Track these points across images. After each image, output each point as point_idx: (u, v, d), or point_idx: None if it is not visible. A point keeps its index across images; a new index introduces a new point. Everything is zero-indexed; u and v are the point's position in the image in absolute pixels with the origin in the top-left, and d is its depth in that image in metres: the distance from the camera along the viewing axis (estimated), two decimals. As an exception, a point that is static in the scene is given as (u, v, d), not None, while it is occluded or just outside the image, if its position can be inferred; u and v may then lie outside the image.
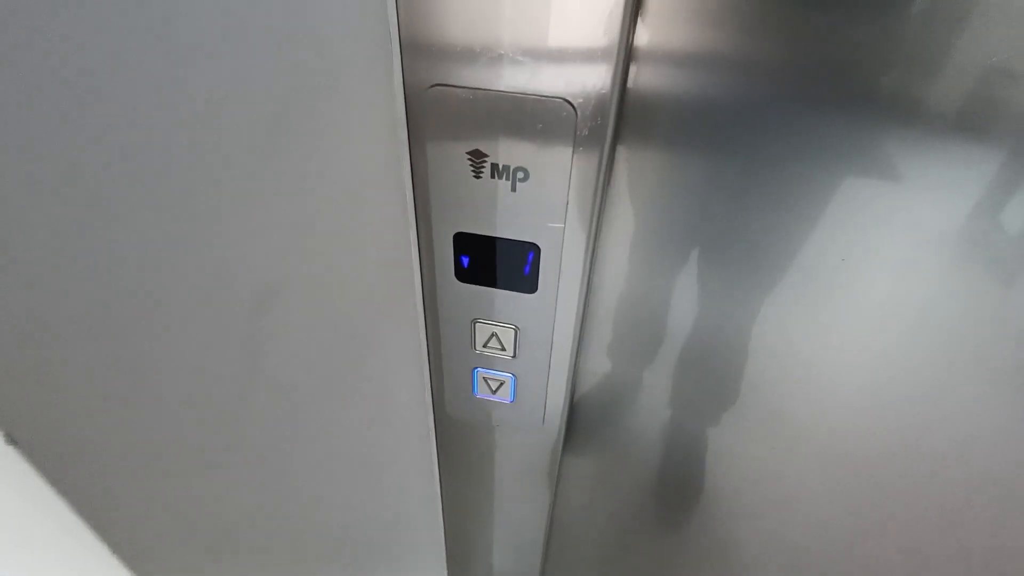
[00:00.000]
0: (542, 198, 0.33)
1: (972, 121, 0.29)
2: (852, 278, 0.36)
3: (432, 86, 0.31)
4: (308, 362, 0.37)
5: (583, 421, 0.51)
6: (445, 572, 0.65)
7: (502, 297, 0.39)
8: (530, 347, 0.42)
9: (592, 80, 0.29)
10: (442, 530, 0.60)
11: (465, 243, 0.37)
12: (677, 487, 0.55)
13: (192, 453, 0.31)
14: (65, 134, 0.20)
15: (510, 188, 0.33)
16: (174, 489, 0.32)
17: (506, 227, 0.35)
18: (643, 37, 0.29)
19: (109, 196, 0.21)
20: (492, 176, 0.33)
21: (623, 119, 0.32)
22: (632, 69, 0.30)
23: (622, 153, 0.34)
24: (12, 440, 0.22)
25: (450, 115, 0.31)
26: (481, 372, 0.44)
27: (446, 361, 0.44)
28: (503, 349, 0.42)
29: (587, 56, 0.28)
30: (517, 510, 0.58)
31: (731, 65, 0.29)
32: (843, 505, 0.50)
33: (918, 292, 0.36)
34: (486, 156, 0.32)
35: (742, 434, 0.47)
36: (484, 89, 0.30)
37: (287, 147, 0.28)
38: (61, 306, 0.21)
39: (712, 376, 0.44)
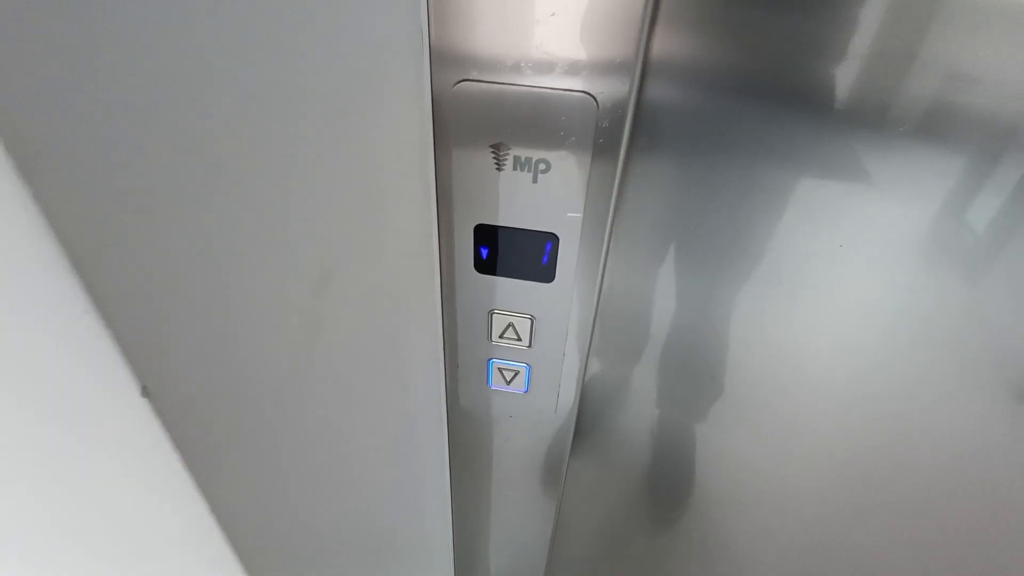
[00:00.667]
0: (562, 188, 0.35)
1: (939, 125, 0.31)
2: (843, 278, 0.38)
3: (459, 82, 0.32)
4: (335, 359, 0.38)
5: (586, 416, 0.52)
6: (452, 566, 0.66)
7: (519, 287, 0.40)
8: (545, 336, 0.43)
9: (613, 74, 0.31)
10: (450, 523, 0.61)
11: (485, 234, 0.38)
12: (680, 483, 0.56)
13: (258, 427, 0.32)
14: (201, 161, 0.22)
15: (531, 179, 0.35)
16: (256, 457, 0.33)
17: (526, 218, 0.37)
18: (659, 36, 0.31)
19: (214, 199, 0.23)
20: (514, 168, 0.35)
21: (639, 114, 0.34)
22: (649, 66, 0.32)
23: (635, 149, 0.35)
24: (147, 392, 0.23)
25: (476, 110, 0.33)
26: (496, 363, 0.45)
27: (462, 353, 0.45)
28: (519, 339, 0.43)
29: (609, 52, 0.30)
30: (526, 503, 0.59)
31: (738, 68, 0.31)
32: (846, 498, 0.52)
33: (897, 289, 0.38)
34: (509, 149, 0.34)
35: (748, 429, 0.49)
36: (509, 84, 0.32)
37: (331, 141, 0.29)
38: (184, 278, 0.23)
39: (717, 372, 0.45)
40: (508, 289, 0.41)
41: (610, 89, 0.31)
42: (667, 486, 0.57)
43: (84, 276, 0.19)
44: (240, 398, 0.29)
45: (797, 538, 0.58)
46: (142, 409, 0.23)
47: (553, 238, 0.37)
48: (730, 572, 0.64)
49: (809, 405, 0.46)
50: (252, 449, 0.32)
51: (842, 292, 0.39)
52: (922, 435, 0.45)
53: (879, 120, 0.32)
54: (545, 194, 0.35)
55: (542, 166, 0.34)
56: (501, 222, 0.37)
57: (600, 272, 0.39)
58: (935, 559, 0.55)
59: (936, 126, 0.31)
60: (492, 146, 0.34)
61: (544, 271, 0.39)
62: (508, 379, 0.46)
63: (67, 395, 0.23)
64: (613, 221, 0.38)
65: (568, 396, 0.48)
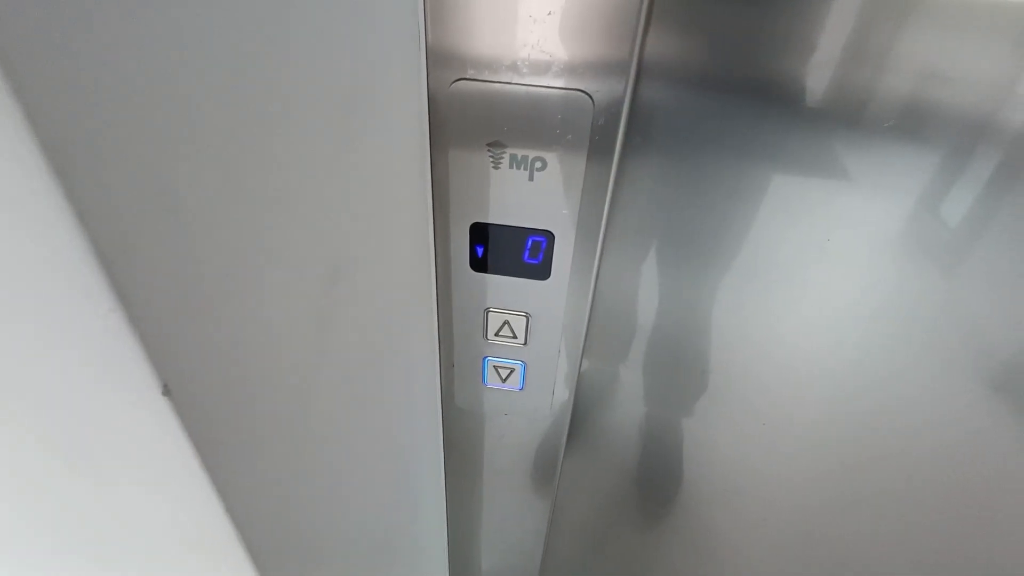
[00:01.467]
0: (558, 186, 0.35)
1: (915, 122, 0.32)
2: (831, 275, 0.39)
3: (456, 81, 0.32)
4: (336, 359, 0.38)
5: (579, 413, 0.52)
6: (447, 564, 0.66)
7: (515, 285, 0.41)
8: (541, 334, 0.43)
9: (609, 73, 0.31)
10: (445, 521, 0.61)
11: (481, 233, 0.38)
12: (673, 478, 0.57)
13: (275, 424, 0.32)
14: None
15: (528, 177, 0.35)
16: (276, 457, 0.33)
17: (522, 215, 0.37)
18: (654, 35, 0.32)
19: (231, 199, 0.24)
20: (511, 166, 0.35)
21: (634, 112, 0.34)
22: (644, 65, 0.33)
23: (630, 147, 0.36)
24: (168, 391, 0.23)
25: (472, 108, 0.33)
26: (492, 361, 0.46)
27: (458, 351, 0.46)
28: (514, 337, 0.44)
29: (605, 51, 0.30)
30: (521, 500, 0.59)
31: (731, 68, 0.32)
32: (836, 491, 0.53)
33: (880, 285, 0.39)
34: (505, 147, 0.34)
35: (739, 425, 0.50)
36: (506, 83, 0.32)
37: (330, 140, 0.29)
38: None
39: (711, 368, 0.46)
40: (503, 287, 0.41)
41: (606, 87, 0.31)
42: (660, 481, 0.58)
43: (112, 275, 0.19)
44: (255, 397, 0.29)
45: (785, 530, 0.59)
46: (162, 408, 0.23)
47: (549, 235, 0.38)
48: (722, 564, 0.65)
49: (800, 400, 0.47)
50: (264, 448, 0.32)
51: (830, 289, 0.40)
52: (904, 427, 0.46)
53: (867, 118, 0.32)
54: (541, 192, 0.36)
55: (538, 164, 0.34)
56: (497, 220, 0.37)
57: (595, 269, 0.40)
58: (919, 547, 0.56)
59: (918, 123, 0.32)
60: (489, 144, 0.34)
61: (540, 269, 0.40)
62: (504, 376, 0.47)
63: (90, 395, 0.23)
64: (608, 218, 0.38)
65: (563, 393, 0.48)
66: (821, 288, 0.40)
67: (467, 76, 0.32)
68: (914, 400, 0.44)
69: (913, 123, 0.32)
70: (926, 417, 0.45)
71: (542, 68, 0.31)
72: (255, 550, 0.32)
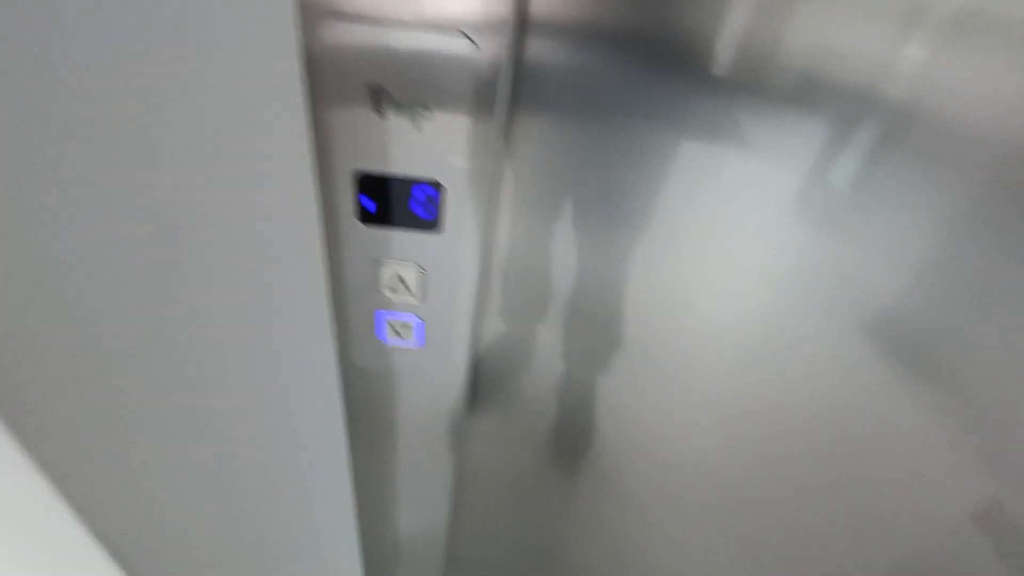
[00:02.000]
0: (445, 134, 0.35)
1: (807, 93, 0.34)
2: (721, 233, 0.41)
3: (332, 21, 0.31)
4: (203, 322, 0.36)
5: (486, 372, 0.53)
6: (356, 536, 0.66)
7: (406, 238, 0.40)
8: (437, 289, 0.43)
9: (493, 17, 0.31)
10: (352, 490, 0.60)
11: (367, 183, 0.37)
12: (581, 434, 0.59)
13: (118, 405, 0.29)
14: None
15: (413, 126, 0.34)
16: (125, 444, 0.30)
17: (409, 165, 0.37)
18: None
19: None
20: (394, 114, 0.34)
21: (524, 64, 0.34)
22: (529, 12, 0.32)
23: (521, 99, 0.36)
24: None
25: (353, 52, 0.32)
26: (387, 316, 0.45)
27: (351, 306, 0.45)
28: (410, 292, 0.43)
29: (484, -7, 0.30)
30: (427, 459, 0.60)
31: (619, 18, 0.32)
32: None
33: (774, 248, 0.41)
34: (388, 93, 0.33)
35: (633, 382, 0.52)
36: (387, 25, 0.31)
37: (189, 84, 0.27)
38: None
39: (603, 327, 0.47)
40: (395, 239, 0.40)
41: (491, 33, 0.31)
42: (569, 439, 0.60)
43: None
44: (82, 379, 0.27)
45: (690, 485, 0.62)
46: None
47: (438, 186, 0.37)
48: (629, 519, 0.68)
49: (697, 356, 0.49)
50: (111, 436, 0.29)
51: (720, 246, 0.42)
52: (794, 377, 0.50)
53: (764, 84, 0.34)
54: (427, 140, 0.35)
55: (423, 112, 0.34)
56: (383, 170, 0.37)
57: (488, 222, 0.40)
58: (816, 499, 0.61)
59: (806, 93, 0.34)
60: (371, 90, 0.33)
61: (431, 222, 0.39)
62: (400, 332, 0.46)
63: None
64: (501, 171, 0.38)
65: (464, 349, 0.48)
66: (711, 248, 0.42)
67: (344, 15, 0.31)
68: (811, 359, 0.47)
69: (807, 92, 0.34)
70: (822, 375, 0.48)
71: (424, 10, 0.30)
72: (120, 551, 0.30)
